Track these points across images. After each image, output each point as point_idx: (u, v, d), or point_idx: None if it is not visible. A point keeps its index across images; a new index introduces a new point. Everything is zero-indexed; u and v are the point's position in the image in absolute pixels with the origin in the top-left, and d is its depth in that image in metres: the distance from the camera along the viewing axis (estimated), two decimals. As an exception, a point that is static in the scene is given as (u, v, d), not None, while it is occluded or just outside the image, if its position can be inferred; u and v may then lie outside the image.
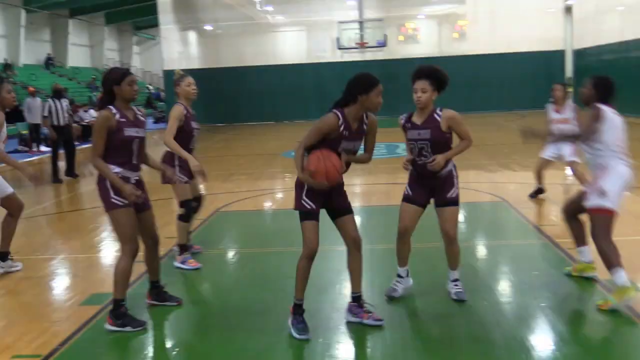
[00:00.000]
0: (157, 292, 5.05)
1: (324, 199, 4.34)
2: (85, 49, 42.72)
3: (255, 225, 8.33)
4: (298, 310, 4.37)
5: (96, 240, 7.61)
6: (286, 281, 5.55)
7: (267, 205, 9.90)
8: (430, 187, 4.80)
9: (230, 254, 6.89)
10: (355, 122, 4.31)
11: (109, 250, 7.04)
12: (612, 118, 4.78)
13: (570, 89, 32.77)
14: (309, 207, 4.28)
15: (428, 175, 4.72)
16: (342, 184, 4.46)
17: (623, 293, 4.48)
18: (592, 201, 4.79)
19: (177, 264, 6.10)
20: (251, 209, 9.27)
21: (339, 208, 4.43)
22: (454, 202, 4.78)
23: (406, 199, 4.88)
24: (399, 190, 9.44)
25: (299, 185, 4.33)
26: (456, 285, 4.93)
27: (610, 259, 4.64)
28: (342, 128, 4.23)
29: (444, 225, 4.79)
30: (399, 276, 5.01)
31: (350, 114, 4.27)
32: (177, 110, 5.84)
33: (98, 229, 8.13)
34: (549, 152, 8.53)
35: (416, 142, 4.71)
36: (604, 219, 4.78)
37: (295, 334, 4.29)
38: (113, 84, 4.52)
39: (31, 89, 19.87)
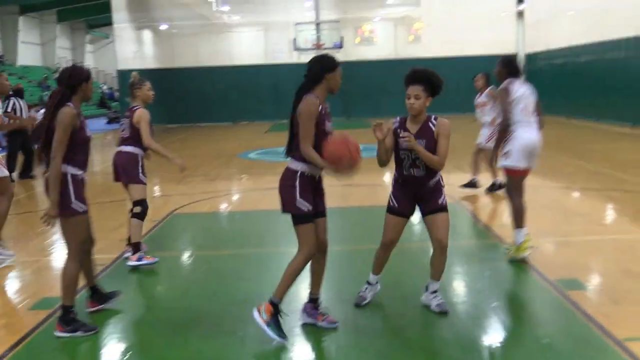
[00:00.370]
0: (99, 296, 4.93)
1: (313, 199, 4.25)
2: (36, 47, 41.81)
3: (210, 228, 8.27)
4: (278, 311, 4.27)
5: (47, 243, 7.45)
6: (241, 283, 5.55)
7: (223, 207, 9.84)
8: (417, 196, 4.64)
9: (185, 256, 6.83)
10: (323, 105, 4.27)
11: (59, 253, 6.90)
12: (516, 90, 5.70)
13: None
14: (306, 209, 4.18)
15: (416, 185, 4.58)
16: (322, 181, 4.41)
17: (519, 249, 5.66)
18: (501, 163, 5.79)
19: (132, 263, 6.04)
20: (206, 211, 9.20)
21: (317, 210, 4.33)
22: (445, 208, 4.63)
23: (391, 210, 4.68)
24: (355, 192, 9.52)
25: (290, 187, 4.20)
26: (436, 297, 4.73)
27: (518, 220, 5.73)
28: (320, 107, 4.18)
29: (437, 233, 4.59)
30: (369, 283, 4.90)
31: (320, 96, 4.21)
32: (147, 114, 6.06)
33: (49, 231, 7.94)
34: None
35: (410, 152, 4.48)
36: (513, 178, 5.80)
37: (274, 335, 4.18)
38: (83, 80, 4.44)
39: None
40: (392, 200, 4.67)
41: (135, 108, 6.10)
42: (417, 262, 6.01)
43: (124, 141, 6.18)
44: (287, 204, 4.24)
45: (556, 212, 8.06)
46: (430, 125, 4.52)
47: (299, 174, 4.21)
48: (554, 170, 11.32)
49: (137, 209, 6.09)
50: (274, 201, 10.17)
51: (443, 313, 4.63)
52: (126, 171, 6.06)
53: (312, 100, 4.14)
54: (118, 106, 32.07)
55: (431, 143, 4.47)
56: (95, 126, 28.99)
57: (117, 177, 6.20)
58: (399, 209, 4.64)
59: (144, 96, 6.19)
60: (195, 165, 14.35)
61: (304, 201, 4.18)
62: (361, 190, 9.78)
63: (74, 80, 4.41)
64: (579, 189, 9.63)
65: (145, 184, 6.11)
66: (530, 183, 10.35)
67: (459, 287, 5.45)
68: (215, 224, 8.58)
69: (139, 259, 6.06)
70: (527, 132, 5.69)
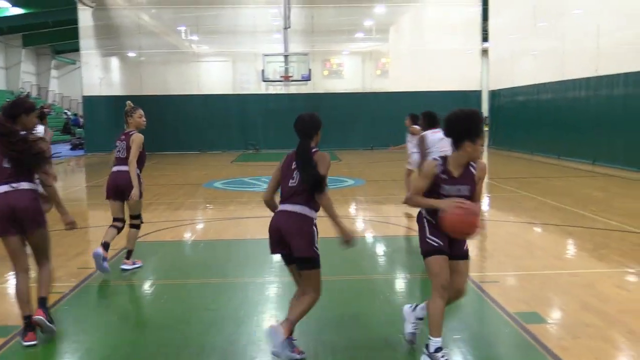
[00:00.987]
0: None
1: None
2: (0, 71, 41.30)
3: (174, 256, 8.18)
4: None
5: (2, 270, 7.26)
6: (204, 313, 5.48)
7: (187, 236, 9.75)
8: (449, 236, 4.27)
9: (148, 284, 6.73)
10: None
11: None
12: (427, 136, 7.85)
13: (486, 127, 33.96)
14: (319, 254, 4.37)
15: None
16: None
17: None
18: None
19: (127, 267, 6.95)
20: (170, 240, 9.10)
21: None
22: (468, 255, 4.39)
23: (438, 251, 4.23)
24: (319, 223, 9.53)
25: (308, 233, 4.30)
26: (416, 326, 4.64)
27: None
28: None
29: (458, 282, 4.31)
30: (441, 349, 4.22)
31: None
32: (141, 139, 6.74)
33: (4, 258, 7.77)
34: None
35: (443, 196, 4.24)
36: None
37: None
38: (22, 112, 4.82)
39: None
40: (432, 241, 4.25)
41: (131, 133, 6.80)
42: (380, 295, 6.04)
43: (121, 161, 6.81)
44: (306, 249, 4.29)
45: (517, 247, 8.18)
46: (471, 168, 4.28)
47: (315, 221, 4.38)
48: (516, 205, 11.51)
49: (137, 222, 7.08)
50: (238, 231, 10.20)
51: (410, 342, 4.64)
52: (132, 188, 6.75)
53: (327, 156, 4.46)
54: (82, 132, 31.68)
55: (473, 187, 4.26)
56: (59, 152, 28.59)
57: (112, 195, 6.85)
58: (444, 247, 4.25)
59: (135, 123, 6.89)
60: (160, 193, 14.24)
61: (318, 246, 4.34)
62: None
63: (14, 111, 4.81)
64: (540, 224, 9.79)
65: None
66: (492, 218, 10.55)
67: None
68: (179, 253, 8.49)
69: (135, 263, 7.04)
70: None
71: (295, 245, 4.28)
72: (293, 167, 4.39)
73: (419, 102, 28.53)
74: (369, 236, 9.21)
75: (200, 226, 10.58)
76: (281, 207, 4.40)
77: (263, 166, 20.32)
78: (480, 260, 7.55)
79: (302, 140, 4.44)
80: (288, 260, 4.43)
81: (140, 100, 31.46)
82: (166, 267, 7.57)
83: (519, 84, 25.18)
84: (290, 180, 4.37)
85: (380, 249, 8.49)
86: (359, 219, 10.83)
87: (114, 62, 30.57)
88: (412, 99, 28.61)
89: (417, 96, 27.05)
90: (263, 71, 25.85)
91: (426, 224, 4.34)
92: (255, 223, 10.09)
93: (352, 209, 11.82)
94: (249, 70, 29.05)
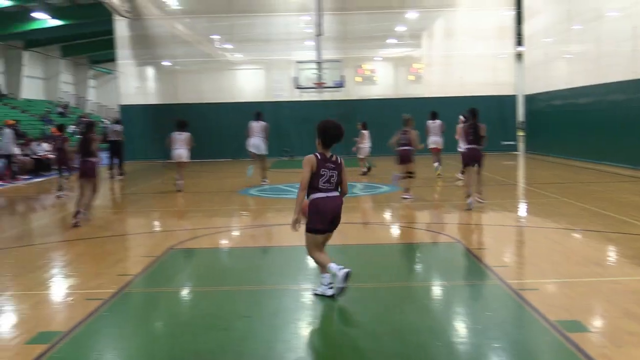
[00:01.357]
0: None
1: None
2: (40, 81, 42.21)
3: (210, 264, 8.24)
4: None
5: (45, 276, 7.40)
6: (241, 320, 5.50)
7: (223, 243, 9.81)
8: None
9: (184, 292, 6.79)
10: None
11: (58, 287, 6.87)
12: (428, 124, 12.05)
13: (522, 132, 33.43)
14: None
15: None
16: None
17: None
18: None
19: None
20: (206, 247, 9.17)
21: None
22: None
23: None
24: (349, 229, 9.48)
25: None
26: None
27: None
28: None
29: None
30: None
31: None
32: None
33: (47, 265, 7.93)
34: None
35: None
36: None
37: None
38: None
39: (10, 121, 19.79)
40: None
41: None
42: (417, 302, 5.99)
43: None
44: None
45: (557, 254, 8.05)
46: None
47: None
48: (555, 211, 11.33)
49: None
50: (273, 238, 10.24)
51: None
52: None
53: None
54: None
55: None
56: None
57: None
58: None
59: None
60: (197, 201, 14.37)
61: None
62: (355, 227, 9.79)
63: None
64: (580, 230, 9.62)
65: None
66: (531, 224, 10.40)
67: (459, 327, 5.41)
68: (215, 260, 8.55)
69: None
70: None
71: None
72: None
73: (452, 107, 28.43)
74: (406, 243, 9.17)
75: (236, 233, 10.64)
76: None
77: (298, 173, 20.34)
78: (519, 267, 7.45)
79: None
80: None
81: (176, 109, 31.91)
82: (203, 274, 7.63)
83: (554, 88, 24.85)
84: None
85: (416, 256, 8.44)
86: (394, 225, 10.78)
87: (150, 71, 31.00)
88: (446, 105, 28.45)
89: (451, 101, 26.87)
90: (296, 78, 25.94)
91: None
92: (290, 230, 10.12)
93: (387, 215, 11.77)
94: (282, 78, 29.18)
